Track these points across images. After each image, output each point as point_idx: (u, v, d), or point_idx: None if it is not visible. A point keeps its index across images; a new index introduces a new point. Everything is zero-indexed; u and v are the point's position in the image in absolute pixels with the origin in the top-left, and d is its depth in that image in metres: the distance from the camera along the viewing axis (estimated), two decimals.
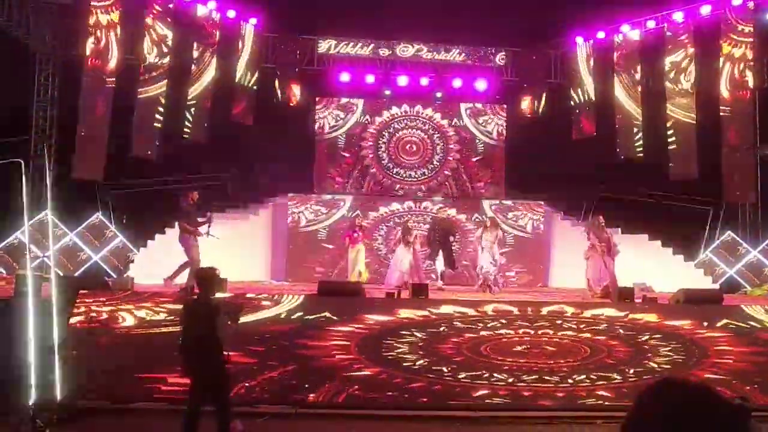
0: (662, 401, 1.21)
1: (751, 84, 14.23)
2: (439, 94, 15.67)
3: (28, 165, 12.27)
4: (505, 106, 15.68)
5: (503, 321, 8.32)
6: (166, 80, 13.98)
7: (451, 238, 12.86)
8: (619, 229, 13.46)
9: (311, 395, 7.16)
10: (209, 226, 10.04)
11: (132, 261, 12.87)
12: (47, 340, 6.56)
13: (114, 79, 13.58)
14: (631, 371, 7.72)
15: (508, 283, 13.01)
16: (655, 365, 7.82)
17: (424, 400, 7.30)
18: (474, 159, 15.39)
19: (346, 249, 12.53)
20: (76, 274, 12.49)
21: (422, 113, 15.51)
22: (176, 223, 10.11)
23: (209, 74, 14.60)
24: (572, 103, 15.69)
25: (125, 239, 13.43)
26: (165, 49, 14.03)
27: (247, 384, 7.28)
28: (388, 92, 15.56)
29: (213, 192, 14.51)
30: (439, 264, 12.45)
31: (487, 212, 14.20)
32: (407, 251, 11.84)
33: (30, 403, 6.18)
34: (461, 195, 15.10)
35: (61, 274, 11.89)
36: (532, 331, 8.20)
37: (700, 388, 1.24)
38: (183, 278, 10.41)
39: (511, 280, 13.74)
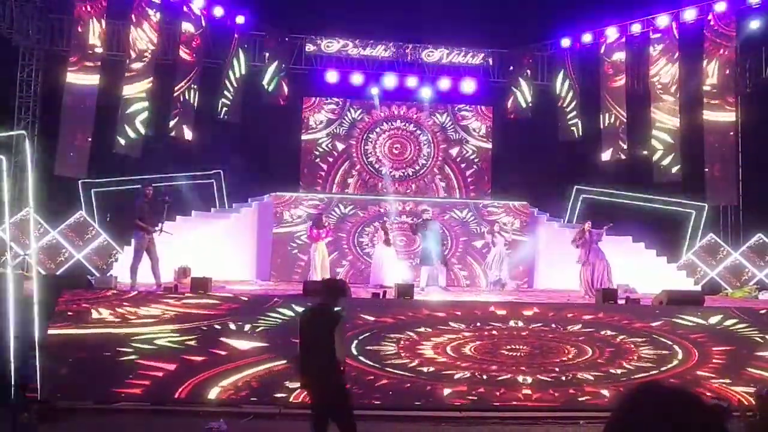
0: (642, 406, 1.22)
1: (733, 87, 14.41)
2: (425, 95, 15.68)
3: (10, 161, 12.10)
4: (491, 107, 15.75)
5: (489, 322, 8.34)
6: (151, 77, 13.86)
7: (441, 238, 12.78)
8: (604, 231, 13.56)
9: (295, 395, 7.14)
10: (162, 223, 10.02)
11: (116, 260, 12.73)
12: (28, 340, 6.48)
13: (98, 75, 13.44)
14: (615, 372, 7.79)
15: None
16: (639, 366, 7.90)
17: (410, 400, 7.31)
18: (460, 160, 15.43)
19: (314, 248, 12.36)
20: (59, 273, 12.33)
21: (409, 113, 15.53)
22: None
23: (195, 72, 14.49)
24: (558, 104, 15.80)
25: (108, 237, 13.29)
26: (151, 46, 13.91)
27: (232, 383, 7.25)
28: (375, 92, 15.53)
29: (198, 190, 14.43)
30: (425, 271, 12.34)
31: (474, 212, 14.25)
32: (385, 249, 12.19)
33: (11, 403, 6.10)
34: (447, 195, 15.14)
35: (43, 273, 11.75)
36: (518, 333, 8.23)
37: (680, 392, 1.25)
38: (166, 276, 10.34)
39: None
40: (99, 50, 13.52)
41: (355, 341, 7.80)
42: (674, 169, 14.53)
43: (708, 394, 7.39)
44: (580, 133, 15.52)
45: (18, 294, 6.87)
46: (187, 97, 14.37)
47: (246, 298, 8.53)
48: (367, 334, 7.95)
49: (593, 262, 11.35)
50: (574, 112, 15.63)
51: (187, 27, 14.38)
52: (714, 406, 1.26)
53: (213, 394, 7.19)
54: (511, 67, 15.93)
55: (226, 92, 14.92)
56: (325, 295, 5.20)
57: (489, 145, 15.48)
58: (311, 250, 12.32)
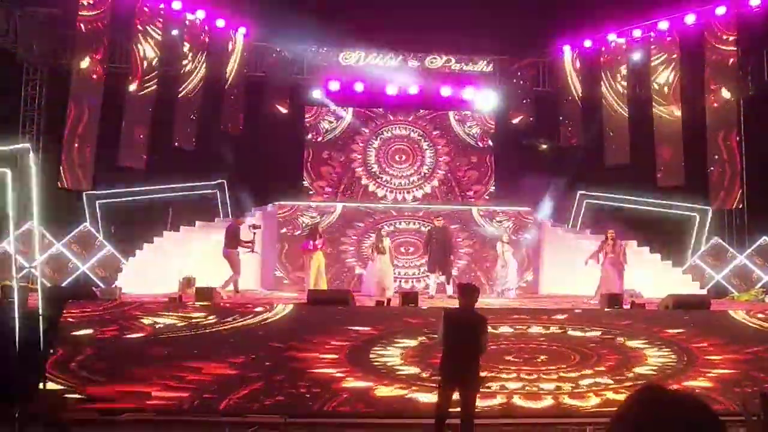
0: (643, 411, 1.22)
1: (735, 91, 14.38)
2: (428, 102, 15.69)
3: (15, 174, 12.15)
4: (493, 113, 15.76)
5: (493, 329, 8.31)
6: (154, 89, 13.94)
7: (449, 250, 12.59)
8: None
9: (301, 405, 7.13)
10: (254, 243, 11.61)
11: (120, 271, 12.77)
12: (34, 351, 6.50)
13: (102, 88, 13.51)
14: (621, 377, 7.75)
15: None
16: (645, 371, 7.85)
17: (413, 407, 7.28)
18: (463, 166, 15.44)
19: (309, 258, 12.16)
20: (64, 285, 12.36)
21: (411, 121, 15.56)
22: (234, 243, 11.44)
23: (198, 83, 14.58)
24: (560, 110, 15.80)
25: (113, 249, 13.33)
26: (154, 59, 14.00)
27: (236, 394, 7.24)
28: (377, 100, 15.54)
29: (202, 200, 14.47)
30: (432, 277, 12.29)
31: (477, 219, 14.25)
32: (380, 258, 11.93)
33: (16, 415, 6.11)
34: (451, 202, 15.13)
35: (48, 285, 11.78)
36: (523, 338, 8.20)
37: (682, 395, 1.25)
38: (171, 286, 10.37)
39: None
40: (102, 63, 13.61)
41: (358, 349, 7.79)
42: (677, 173, 14.50)
43: (719, 398, 7.35)
44: (583, 139, 15.51)
45: (23, 306, 6.90)
46: (189, 107, 14.44)
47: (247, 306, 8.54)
48: (370, 343, 7.93)
49: (609, 269, 11.15)
50: (577, 118, 15.63)
51: (189, 38, 14.47)
52: (704, 406, 1.26)
53: (218, 404, 7.18)
54: (519, 73, 15.94)
55: (228, 102, 14.99)
56: (466, 298, 5.82)
57: (491, 152, 15.49)
58: (307, 260, 12.26)
